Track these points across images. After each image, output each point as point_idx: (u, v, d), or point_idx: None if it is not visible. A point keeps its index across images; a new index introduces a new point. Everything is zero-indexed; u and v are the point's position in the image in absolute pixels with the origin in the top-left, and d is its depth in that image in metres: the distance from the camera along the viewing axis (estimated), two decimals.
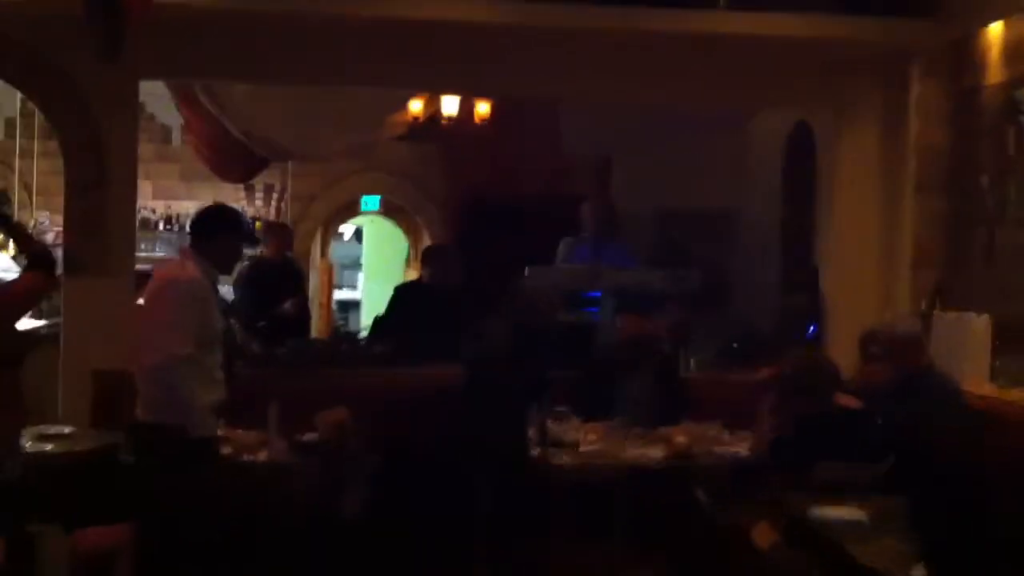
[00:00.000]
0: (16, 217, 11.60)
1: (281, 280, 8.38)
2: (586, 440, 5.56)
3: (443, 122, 9.06)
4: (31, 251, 4.34)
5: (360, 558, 4.85)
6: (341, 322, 13.40)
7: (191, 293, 4.65)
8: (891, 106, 7.02)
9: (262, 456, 5.22)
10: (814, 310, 7.39)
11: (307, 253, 12.19)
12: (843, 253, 7.26)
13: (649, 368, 6.20)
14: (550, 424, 5.62)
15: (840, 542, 3.63)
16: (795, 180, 8.68)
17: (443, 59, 6.80)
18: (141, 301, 5.06)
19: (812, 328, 7.28)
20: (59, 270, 4.90)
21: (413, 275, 11.06)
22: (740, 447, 5.52)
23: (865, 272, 7.07)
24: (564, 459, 5.30)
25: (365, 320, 12.75)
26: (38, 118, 10.38)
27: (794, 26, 6.52)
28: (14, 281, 4.62)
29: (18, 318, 4.34)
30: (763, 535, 3.64)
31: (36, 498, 4.29)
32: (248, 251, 12.59)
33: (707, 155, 8.92)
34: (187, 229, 5.00)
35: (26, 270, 4.31)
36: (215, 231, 4.86)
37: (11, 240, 4.31)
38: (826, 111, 7.49)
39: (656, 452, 5.44)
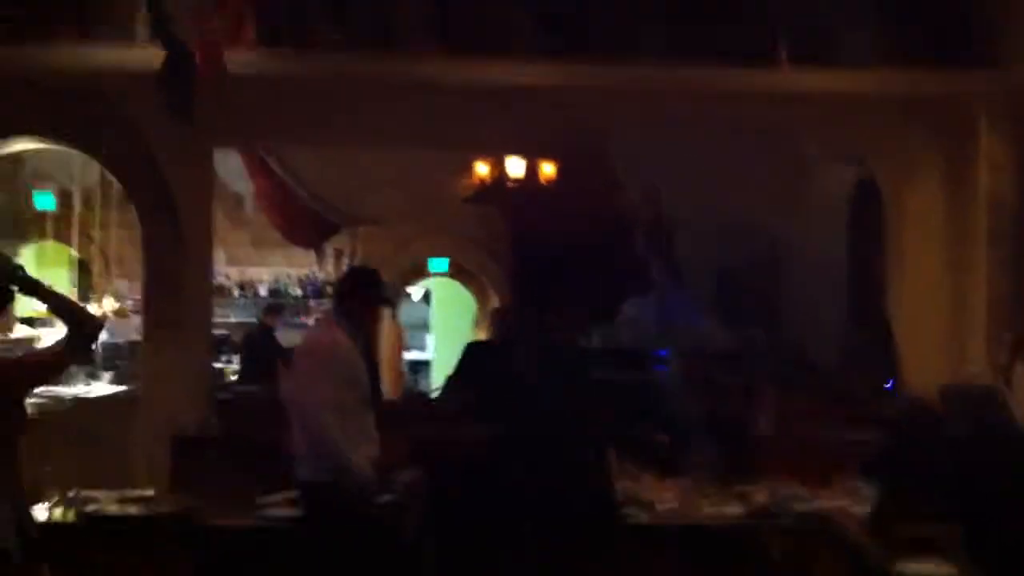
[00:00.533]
0: (96, 284, 11.96)
1: None
2: (662, 499, 5.51)
3: (509, 184, 9.16)
4: (69, 319, 3.73)
5: None
6: (411, 383, 13.49)
7: (341, 356, 4.73)
8: (956, 157, 6.96)
9: None
10: (889, 363, 7.29)
11: None
12: (913, 306, 7.17)
13: (723, 425, 6.14)
14: (627, 483, 5.60)
15: None
16: (861, 231, 8.62)
17: (509, 121, 6.91)
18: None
19: (888, 384, 7.18)
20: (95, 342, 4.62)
21: (481, 335, 11.13)
22: (818, 503, 5.43)
23: (937, 327, 6.97)
24: (641, 518, 5.26)
25: (435, 380, 12.83)
26: (116, 187, 10.69)
27: (857, 80, 6.53)
28: (30, 352, 4.39)
29: (23, 393, 3.90)
30: None
31: (124, 557, 4.39)
32: None
33: (773, 205, 8.89)
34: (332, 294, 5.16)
35: (60, 342, 3.84)
36: (354, 292, 4.92)
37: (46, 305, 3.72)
38: (890, 163, 7.45)
39: (733, 510, 5.37)
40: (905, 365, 7.11)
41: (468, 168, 8.77)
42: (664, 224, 10.17)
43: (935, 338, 6.96)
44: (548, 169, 9.01)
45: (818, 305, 8.95)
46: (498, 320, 8.00)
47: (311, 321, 13.18)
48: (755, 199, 8.63)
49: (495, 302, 12.25)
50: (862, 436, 5.76)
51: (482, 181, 8.95)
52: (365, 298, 4.93)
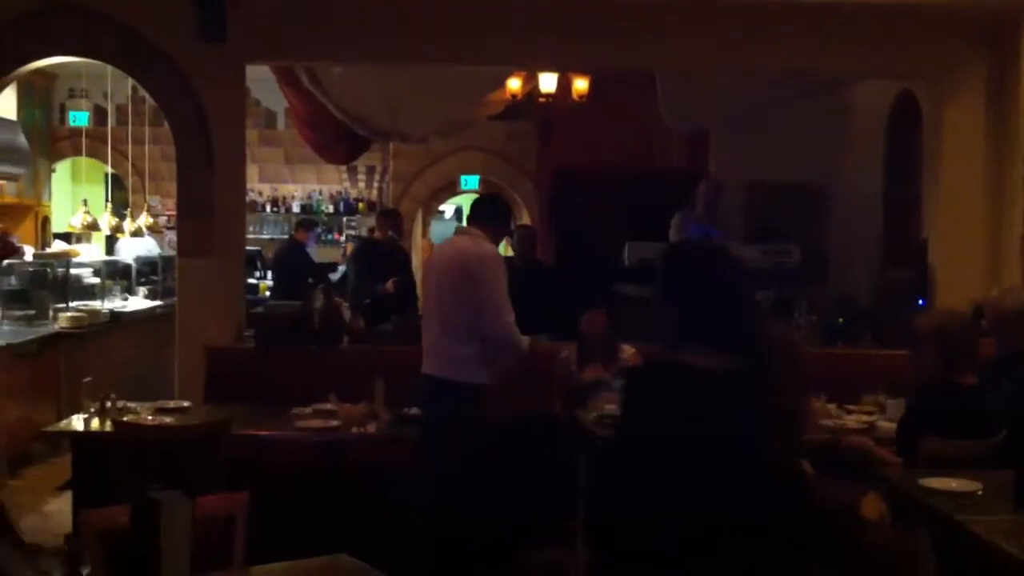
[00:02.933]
0: (130, 200, 12.05)
1: (386, 261, 8.67)
2: None
3: (541, 99, 9.09)
4: None
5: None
6: None
7: (502, 265, 5.14)
8: (997, 72, 6.84)
9: (370, 428, 5.33)
10: (920, 284, 7.25)
11: (408, 233, 12.35)
12: (950, 226, 7.10)
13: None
14: None
15: (951, 514, 3.58)
16: (899, 151, 8.51)
17: (541, 36, 6.83)
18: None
19: (920, 302, 7.14)
20: None
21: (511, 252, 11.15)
22: (846, 420, 5.46)
23: (973, 245, 6.92)
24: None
25: None
26: (149, 104, 10.72)
27: None
28: None
29: None
30: (871, 508, 3.59)
31: (159, 467, 4.49)
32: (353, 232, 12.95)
33: (805, 126, 8.78)
34: (467, 211, 5.57)
35: None
36: (496, 216, 5.30)
37: None
38: (930, 80, 7.33)
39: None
40: (939, 284, 7.07)
41: (500, 84, 8.69)
42: (699, 143, 10.10)
43: (970, 258, 6.90)
44: (581, 84, 8.92)
45: (853, 224, 8.89)
46: (517, 240, 8.04)
47: (342, 238, 13.27)
48: (791, 117, 8.51)
49: (526, 219, 12.26)
50: (890, 352, 5.77)
51: (513, 96, 8.88)
52: (501, 224, 5.34)
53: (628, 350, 5.89)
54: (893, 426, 4.81)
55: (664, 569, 2.73)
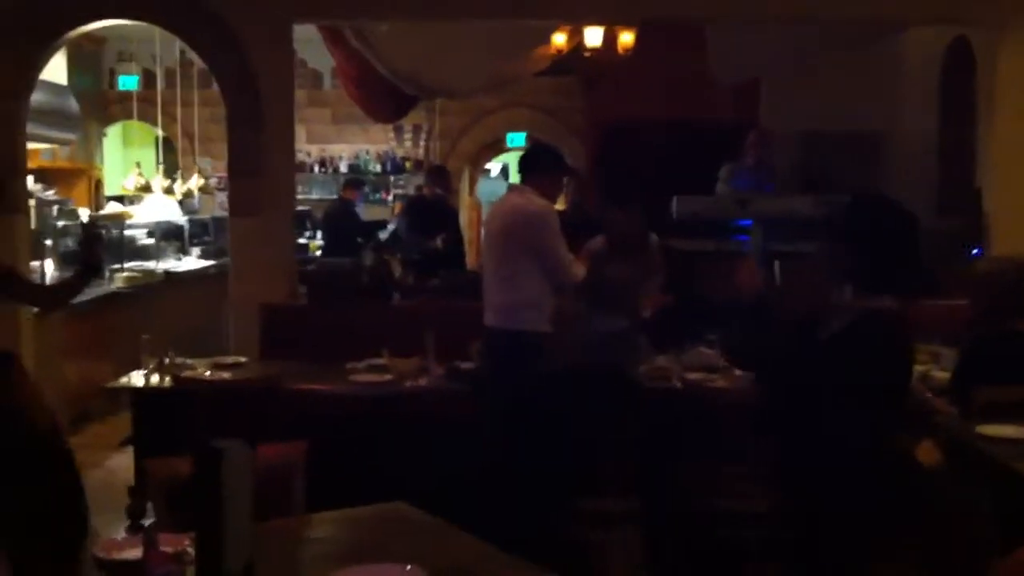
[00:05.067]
0: (180, 163, 12.17)
1: (435, 217, 8.74)
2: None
3: (586, 54, 9.01)
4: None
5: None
6: None
7: (554, 218, 5.17)
8: None
9: (422, 382, 5.39)
10: (976, 233, 7.16)
11: (455, 190, 12.37)
12: (1006, 173, 6.99)
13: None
14: (705, 350, 5.65)
15: (1006, 461, 3.57)
16: (953, 98, 8.37)
17: None
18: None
19: (976, 252, 7.05)
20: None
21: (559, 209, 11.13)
22: None
23: None
24: (720, 383, 5.31)
25: None
26: (197, 67, 10.79)
27: None
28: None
29: None
30: (927, 455, 3.60)
31: (218, 420, 4.58)
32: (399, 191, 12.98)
33: (857, 75, 8.65)
34: (519, 167, 5.49)
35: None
36: (548, 166, 5.29)
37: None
38: (984, 25, 7.19)
39: None
40: (994, 235, 6.97)
41: (546, 39, 8.63)
42: (750, 94, 9.98)
43: None
44: (627, 38, 8.83)
45: (907, 172, 8.77)
46: (575, 187, 8.01)
47: (389, 197, 13.32)
48: (843, 65, 8.38)
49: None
50: (946, 302, 5.71)
51: (559, 51, 8.82)
52: (554, 172, 5.32)
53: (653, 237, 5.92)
54: (948, 375, 4.78)
55: None
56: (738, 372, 5.34)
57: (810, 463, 3.18)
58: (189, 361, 5.73)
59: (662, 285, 5.84)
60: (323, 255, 10.05)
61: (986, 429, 3.84)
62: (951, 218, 7.71)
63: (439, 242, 8.52)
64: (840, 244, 3.25)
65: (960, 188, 8.07)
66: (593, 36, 8.72)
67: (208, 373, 5.47)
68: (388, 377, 5.41)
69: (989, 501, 3.38)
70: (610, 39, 8.87)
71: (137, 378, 5.57)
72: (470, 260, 10.51)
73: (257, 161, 6.86)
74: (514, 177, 14.47)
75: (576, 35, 8.79)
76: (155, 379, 5.50)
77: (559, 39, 8.68)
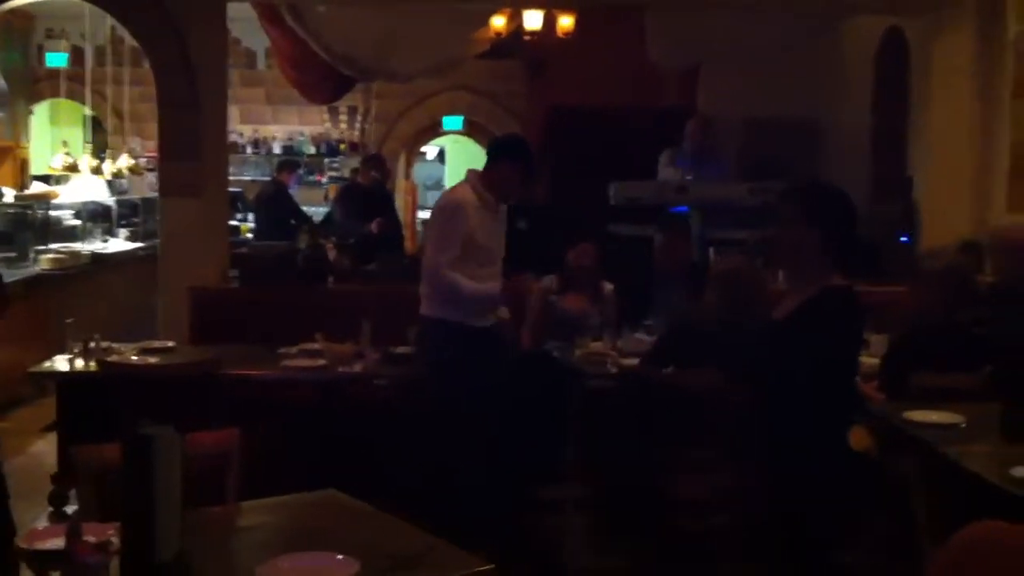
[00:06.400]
0: (110, 142, 11.91)
1: (371, 202, 8.70)
2: None
3: (526, 37, 8.97)
4: None
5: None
6: (424, 241, 13.53)
7: (456, 212, 4.95)
8: (986, 7, 6.80)
9: (357, 368, 5.33)
10: (906, 220, 7.26)
11: (392, 174, 12.27)
12: (936, 162, 7.10)
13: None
14: (642, 336, 5.65)
15: (936, 446, 3.61)
16: (886, 86, 8.46)
17: None
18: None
19: (904, 238, 7.16)
20: None
21: None
22: None
23: (959, 181, 6.91)
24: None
25: None
26: (128, 45, 10.56)
27: None
28: None
29: None
30: (859, 440, 3.63)
31: (146, 406, 4.48)
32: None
33: (794, 63, 8.72)
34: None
35: None
36: (498, 158, 5.08)
37: None
38: (918, 15, 7.28)
39: None
40: (925, 220, 7.08)
41: (485, 21, 8.58)
42: (688, 79, 10.02)
43: (956, 194, 6.91)
44: (566, 22, 8.80)
45: (842, 160, 8.86)
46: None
47: (324, 179, 13.18)
48: (782, 53, 8.44)
49: None
50: (876, 288, 5.77)
51: (498, 34, 8.77)
52: (507, 165, 5.06)
53: (607, 286, 5.92)
54: (875, 361, 4.83)
55: None
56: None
57: (763, 445, 3.20)
58: (116, 345, 5.61)
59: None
60: (255, 238, 9.91)
61: (915, 415, 3.88)
62: (883, 205, 7.80)
63: (375, 226, 8.49)
64: (800, 231, 3.27)
65: (893, 176, 8.17)
66: (532, 19, 8.68)
67: (135, 358, 5.35)
68: (322, 362, 5.34)
69: (920, 485, 3.43)
70: (550, 22, 8.85)
71: (61, 363, 5.43)
72: (407, 245, 10.44)
73: (190, 142, 6.74)
74: (451, 161, 14.45)
75: (516, 18, 8.75)
76: (80, 364, 5.36)
77: (498, 22, 8.63)
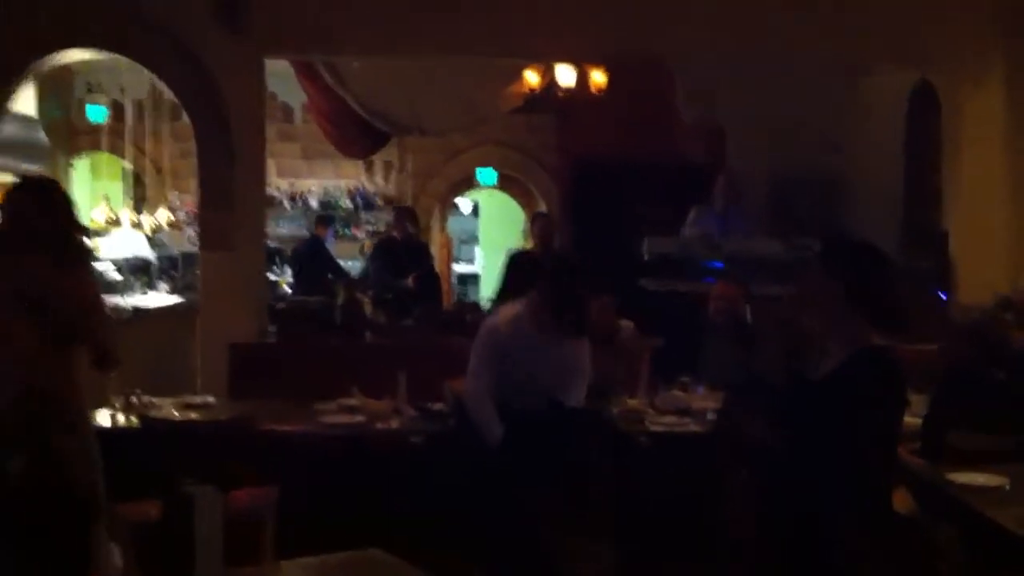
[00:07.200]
0: (149, 196, 12.09)
1: (407, 256, 8.70)
2: (713, 408, 5.52)
3: (559, 93, 9.06)
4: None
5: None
6: (460, 295, 13.59)
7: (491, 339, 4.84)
8: (1016, 60, 6.79)
9: (394, 424, 5.34)
10: (941, 276, 7.22)
11: (426, 228, 12.36)
12: (971, 216, 7.07)
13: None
14: (678, 393, 5.64)
15: (980, 508, 3.58)
16: (918, 141, 8.47)
17: (558, 26, 6.83)
18: None
19: (941, 294, 7.11)
20: None
21: (529, 246, 11.14)
22: None
23: (994, 236, 6.88)
24: (692, 427, 5.30)
25: (483, 292, 12.90)
26: (167, 99, 10.74)
27: None
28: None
29: None
30: (901, 502, 3.60)
31: (186, 462, 4.51)
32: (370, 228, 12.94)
33: (822, 117, 8.74)
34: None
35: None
36: (532, 279, 4.85)
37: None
38: (948, 69, 7.28)
39: None
40: (960, 276, 7.04)
41: (518, 77, 8.69)
42: (716, 135, 10.06)
43: (991, 249, 6.87)
44: (599, 77, 8.89)
45: (873, 215, 8.84)
46: (534, 228, 8.02)
47: (360, 233, 13.29)
48: (810, 108, 8.48)
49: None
50: (913, 346, 5.73)
51: (532, 90, 8.86)
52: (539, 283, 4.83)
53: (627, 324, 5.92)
54: (917, 421, 4.78)
55: None
56: (711, 416, 5.35)
57: (797, 506, 3.10)
58: (156, 400, 5.65)
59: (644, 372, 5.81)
60: (293, 293, 10.00)
61: (958, 477, 3.85)
62: (915, 260, 7.77)
63: (411, 282, 8.50)
64: (823, 284, 3.16)
65: (924, 231, 8.15)
66: (566, 75, 8.78)
67: (176, 413, 5.40)
68: (360, 418, 5.36)
69: (961, 548, 3.39)
70: (582, 78, 8.94)
71: (104, 417, 5.48)
72: (444, 299, 10.48)
73: (229, 196, 6.83)
74: (485, 214, 14.53)
75: (549, 73, 8.85)
76: (122, 418, 5.41)
77: (532, 78, 8.73)
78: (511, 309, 4.89)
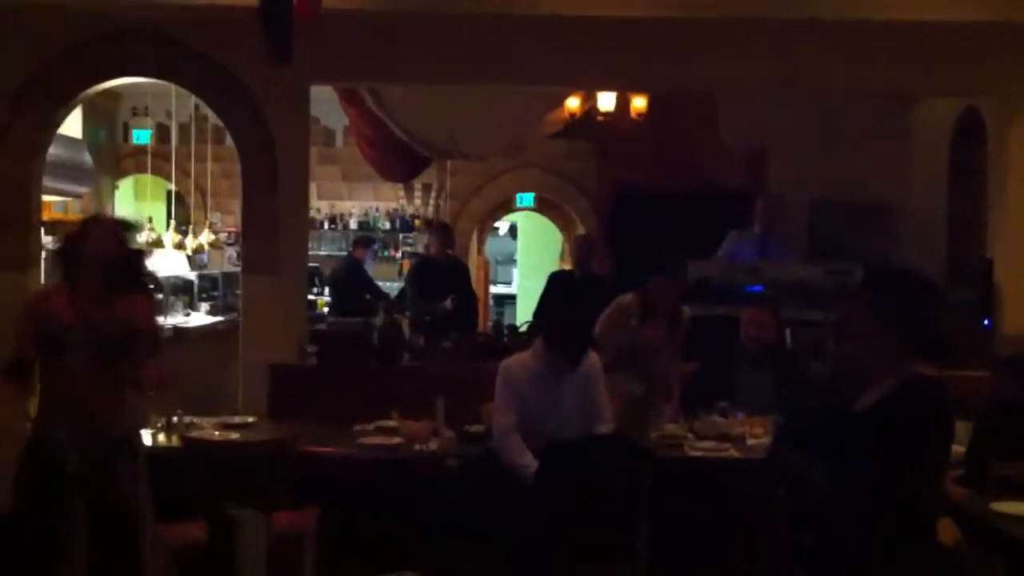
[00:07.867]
0: (192, 217, 12.23)
1: (445, 278, 8.69)
2: (752, 434, 5.51)
3: (599, 118, 9.10)
4: None
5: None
6: (497, 317, 13.61)
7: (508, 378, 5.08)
8: None
9: (432, 446, 5.35)
10: (986, 304, 7.15)
11: (464, 250, 12.41)
12: (1017, 245, 7.00)
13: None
14: (716, 418, 5.62)
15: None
16: (964, 169, 8.41)
17: (599, 55, 6.85)
18: None
19: (986, 322, 7.04)
20: None
21: (567, 267, 11.16)
22: None
23: None
24: (732, 452, 5.28)
25: (520, 315, 12.92)
26: (211, 123, 10.89)
27: (959, 9, 6.34)
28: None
29: None
30: (946, 532, 3.56)
31: (227, 483, 4.54)
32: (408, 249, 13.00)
33: (865, 143, 8.71)
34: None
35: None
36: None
37: None
38: (995, 96, 7.25)
39: None
40: (1004, 305, 6.97)
41: (559, 103, 8.72)
42: (758, 161, 10.05)
43: None
44: (639, 103, 8.92)
45: (916, 242, 8.79)
46: (576, 250, 8.03)
47: (398, 254, 13.36)
48: (853, 134, 8.45)
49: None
50: (958, 374, 5.68)
51: (572, 115, 8.90)
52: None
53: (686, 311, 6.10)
54: (961, 449, 4.74)
55: None
56: (750, 442, 5.33)
57: (841, 537, 3.06)
58: (197, 420, 5.70)
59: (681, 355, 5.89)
60: (331, 313, 10.05)
61: (1002, 506, 3.81)
62: (960, 289, 7.70)
63: (449, 303, 8.49)
64: (870, 318, 3.10)
65: (969, 259, 8.08)
66: (606, 101, 8.82)
67: (217, 434, 5.43)
68: (398, 440, 5.38)
69: None
70: (623, 104, 8.97)
71: (145, 437, 5.53)
72: (481, 321, 10.50)
73: (272, 223, 6.89)
74: (523, 236, 14.57)
75: (589, 99, 8.89)
76: (162, 438, 5.46)
77: (573, 103, 8.78)
78: (522, 355, 5.15)
